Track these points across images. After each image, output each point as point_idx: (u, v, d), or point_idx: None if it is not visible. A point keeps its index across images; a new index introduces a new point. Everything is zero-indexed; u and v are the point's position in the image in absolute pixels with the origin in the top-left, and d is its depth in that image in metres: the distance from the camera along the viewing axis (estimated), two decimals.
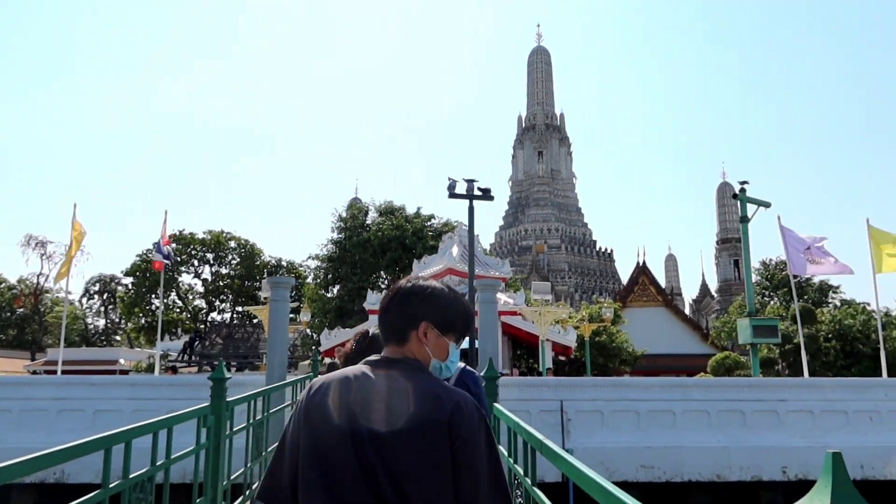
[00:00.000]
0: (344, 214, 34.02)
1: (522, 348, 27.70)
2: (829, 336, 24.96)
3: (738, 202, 17.25)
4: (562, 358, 25.05)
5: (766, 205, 17.54)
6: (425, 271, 21.80)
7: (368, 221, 33.38)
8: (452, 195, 12.65)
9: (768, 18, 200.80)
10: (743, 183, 17.50)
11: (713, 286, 74.61)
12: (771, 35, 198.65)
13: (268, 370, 11.19)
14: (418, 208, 33.92)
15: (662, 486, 11.68)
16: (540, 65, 78.92)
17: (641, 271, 47.87)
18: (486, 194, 12.77)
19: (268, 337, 11.37)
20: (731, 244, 70.09)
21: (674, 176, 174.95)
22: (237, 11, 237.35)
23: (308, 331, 34.69)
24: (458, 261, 20.63)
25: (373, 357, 1.76)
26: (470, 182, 12.67)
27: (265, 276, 33.32)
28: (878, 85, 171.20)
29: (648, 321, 43.37)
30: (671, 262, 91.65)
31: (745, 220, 17.27)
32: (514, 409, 11.39)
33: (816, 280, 33.82)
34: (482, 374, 4.97)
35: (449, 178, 12.81)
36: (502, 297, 18.81)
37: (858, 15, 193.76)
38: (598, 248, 71.08)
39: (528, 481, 2.97)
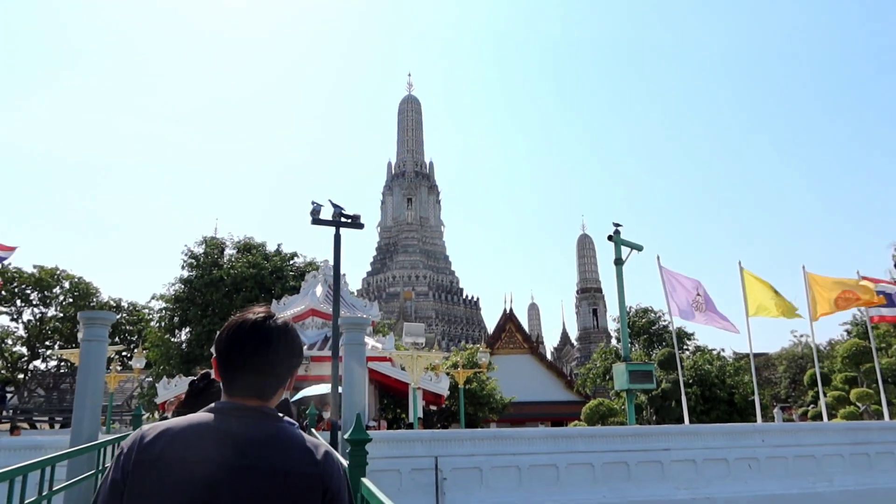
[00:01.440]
0: (198, 251, 30.97)
1: (389, 397, 26.03)
2: (690, 381, 25.50)
3: (613, 245, 17.00)
4: (433, 408, 23.63)
5: (639, 248, 17.43)
6: (285, 312, 19.79)
7: (225, 259, 30.58)
8: (316, 220, 11.14)
9: (620, 75, 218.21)
10: (617, 225, 17.30)
11: (573, 335, 76.87)
12: (621, 90, 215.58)
13: (73, 428, 8.82)
14: (279, 245, 31.60)
15: None
16: (410, 113, 79.53)
17: (508, 318, 47.96)
18: (355, 221, 11.38)
19: (76, 385, 9.05)
20: (591, 294, 72.78)
21: (536, 228, 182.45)
22: (85, 40, 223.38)
23: (150, 379, 30.97)
24: (321, 301, 18.89)
25: (220, 404, 1.53)
26: (337, 207, 11.25)
27: None
28: (732, 133, 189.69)
29: (515, 368, 43.14)
30: (534, 311, 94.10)
31: (619, 262, 16.99)
32: (382, 468, 9.73)
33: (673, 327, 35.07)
34: (346, 435, 3.51)
35: (313, 202, 11.33)
36: (370, 342, 17.22)
37: (720, 61, 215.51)
38: (464, 296, 71.29)
39: None
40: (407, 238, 71.77)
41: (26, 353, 35.63)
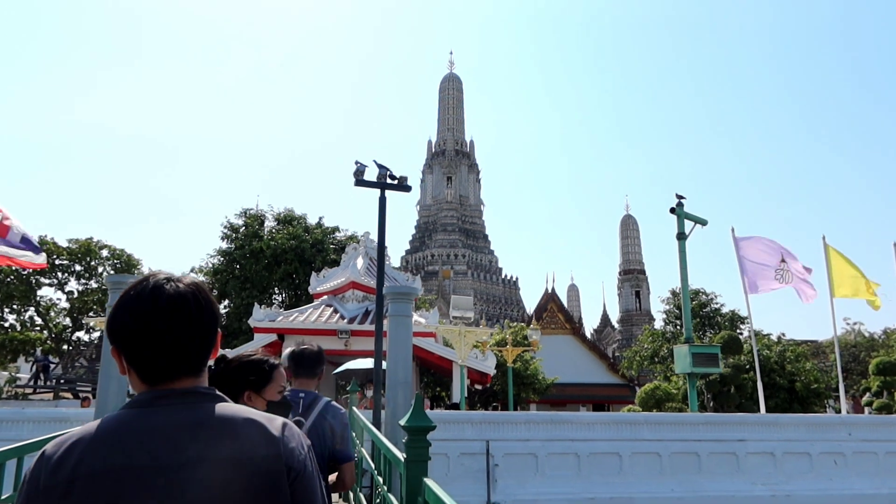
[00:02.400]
0: (237, 222, 30.39)
1: (429, 375, 25.23)
2: (747, 367, 24.12)
3: (676, 217, 15.73)
4: (478, 387, 22.76)
5: (704, 222, 16.13)
6: (325, 285, 19.03)
7: (265, 231, 29.96)
8: (360, 181, 10.23)
9: (661, 51, 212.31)
10: (680, 197, 16.03)
11: (614, 317, 75.26)
12: (663, 66, 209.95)
13: (98, 399, 8.12)
14: (320, 218, 30.87)
15: None
16: (451, 91, 78.28)
17: (550, 298, 46.78)
18: (402, 183, 10.43)
19: (101, 354, 8.34)
20: (634, 275, 70.94)
21: (577, 209, 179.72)
22: (137, 26, 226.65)
23: None
24: (362, 274, 18.05)
25: (143, 395, 1.26)
26: (382, 168, 10.31)
27: None
28: (776, 113, 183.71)
29: (556, 349, 42.03)
30: (573, 292, 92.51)
31: (682, 236, 15.72)
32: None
33: (726, 310, 33.49)
34: (404, 421, 2.65)
35: (357, 163, 10.42)
36: (413, 316, 16.32)
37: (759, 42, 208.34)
38: (503, 276, 70.19)
39: None
40: (446, 217, 70.83)
41: (70, 325, 35.90)
